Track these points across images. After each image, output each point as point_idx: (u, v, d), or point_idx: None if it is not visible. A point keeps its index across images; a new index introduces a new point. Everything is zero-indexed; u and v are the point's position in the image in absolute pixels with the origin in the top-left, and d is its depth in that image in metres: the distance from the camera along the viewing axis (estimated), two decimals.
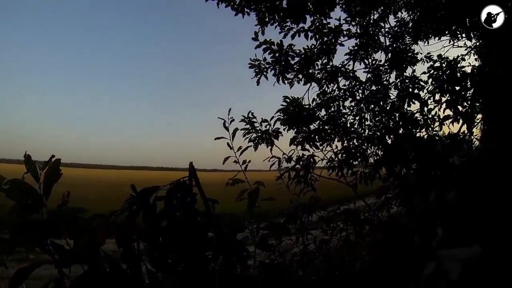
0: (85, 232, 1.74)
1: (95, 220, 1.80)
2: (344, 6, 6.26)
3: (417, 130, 5.10)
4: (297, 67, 5.71)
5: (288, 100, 4.66)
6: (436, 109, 5.00)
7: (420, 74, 5.44)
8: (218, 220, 1.87)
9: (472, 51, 7.03)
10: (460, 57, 5.04)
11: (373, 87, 5.96)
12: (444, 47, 7.14)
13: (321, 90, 5.84)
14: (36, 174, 1.83)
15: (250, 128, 4.41)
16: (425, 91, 5.35)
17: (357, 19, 6.27)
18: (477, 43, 6.67)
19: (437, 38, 6.55)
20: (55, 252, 1.73)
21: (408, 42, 6.59)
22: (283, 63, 5.55)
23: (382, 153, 5.12)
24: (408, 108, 5.34)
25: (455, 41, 6.90)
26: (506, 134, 4.32)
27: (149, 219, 1.77)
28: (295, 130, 4.74)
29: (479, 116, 5.18)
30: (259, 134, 4.43)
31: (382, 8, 6.53)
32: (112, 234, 1.75)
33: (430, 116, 5.11)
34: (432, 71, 5.05)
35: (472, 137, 4.76)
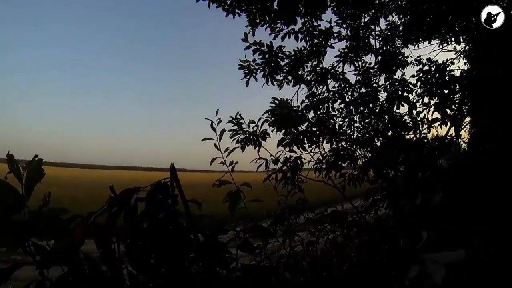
0: (64, 233, 1.71)
1: (74, 220, 1.77)
2: (335, 9, 6.25)
3: (406, 133, 5.12)
4: (287, 68, 5.70)
5: (277, 102, 4.64)
6: (425, 112, 5.03)
7: (409, 77, 5.47)
8: (199, 221, 1.84)
9: (462, 55, 7.08)
10: (449, 61, 5.08)
11: (363, 89, 5.97)
12: (434, 50, 7.18)
13: (310, 91, 5.83)
14: (18, 174, 1.82)
15: (237, 129, 4.38)
16: (414, 94, 5.38)
17: (348, 21, 6.26)
18: (466, 47, 6.72)
19: (427, 41, 6.58)
20: (37, 253, 1.70)
21: (398, 45, 6.62)
22: (272, 64, 5.54)
23: (370, 155, 5.13)
24: (397, 111, 5.35)
25: (445, 45, 6.94)
26: (496, 136, 4.34)
27: (129, 220, 1.74)
28: (283, 131, 4.72)
29: (467, 119, 5.22)
30: (247, 135, 4.41)
31: (373, 11, 6.54)
32: (92, 235, 1.72)
33: (418, 118, 5.13)
34: (421, 74, 5.08)
35: (460, 140, 4.79)
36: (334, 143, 5.23)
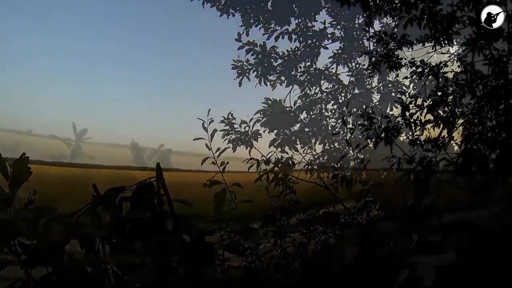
0: (47, 232, 1.68)
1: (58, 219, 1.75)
2: (329, 10, 6.25)
3: (399, 134, 5.11)
4: (280, 69, 5.68)
5: (270, 102, 4.64)
6: (418, 113, 5.02)
7: (403, 79, 5.48)
8: (187, 222, 1.81)
9: (455, 58, 7.09)
10: (443, 63, 5.09)
11: (356, 91, 5.96)
12: (428, 53, 7.19)
13: (303, 92, 5.82)
14: (5, 172, 1.81)
15: (229, 129, 4.36)
16: (407, 95, 5.38)
17: (342, 23, 6.26)
18: (460, 50, 6.73)
19: (420, 44, 6.58)
20: (23, 252, 1.68)
21: (392, 47, 6.60)
22: (265, 64, 5.52)
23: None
24: (390, 112, 5.35)
25: (438, 47, 6.94)
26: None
27: (114, 220, 1.71)
28: (276, 132, 4.72)
29: (460, 121, 5.23)
30: (238, 135, 4.39)
31: (367, 12, 6.53)
32: (75, 235, 1.69)
33: (412, 120, 5.12)
34: (414, 76, 5.09)
35: (453, 141, 4.79)
36: (327, 144, 5.22)
